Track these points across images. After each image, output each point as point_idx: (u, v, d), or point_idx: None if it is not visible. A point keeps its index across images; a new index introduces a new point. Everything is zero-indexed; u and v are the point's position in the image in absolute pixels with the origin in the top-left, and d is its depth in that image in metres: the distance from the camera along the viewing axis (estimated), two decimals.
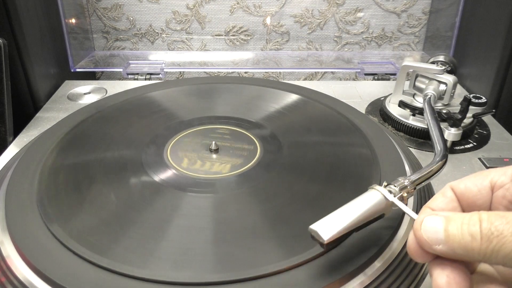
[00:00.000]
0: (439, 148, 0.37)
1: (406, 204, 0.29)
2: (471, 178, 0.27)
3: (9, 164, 0.43)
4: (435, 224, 0.23)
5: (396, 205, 0.28)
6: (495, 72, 0.57)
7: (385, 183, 0.30)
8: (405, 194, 0.29)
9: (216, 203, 0.35)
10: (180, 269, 0.28)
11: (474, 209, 0.26)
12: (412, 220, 0.28)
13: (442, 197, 0.27)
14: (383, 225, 0.31)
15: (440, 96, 0.49)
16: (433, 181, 0.39)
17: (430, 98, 0.47)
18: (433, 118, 0.43)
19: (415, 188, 0.31)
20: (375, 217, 0.28)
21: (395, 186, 0.29)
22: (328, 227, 0.26)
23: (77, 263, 0.29)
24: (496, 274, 0.26)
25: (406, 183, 0.30)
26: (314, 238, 0.27)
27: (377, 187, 0.29)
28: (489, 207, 0.26)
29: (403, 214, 0.34)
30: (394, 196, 0.29)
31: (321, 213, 0.29)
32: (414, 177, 0.31)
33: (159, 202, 0.34)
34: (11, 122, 0.51)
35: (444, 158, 0.35)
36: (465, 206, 0.27)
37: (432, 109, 0.45)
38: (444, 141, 0.39)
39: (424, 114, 0.45)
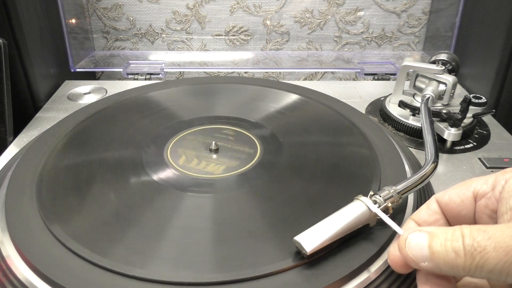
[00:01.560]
0: (429, 157, 0.37)
1: (391, 213, 0.30)
2: (454, 189, 0.27)
3: (9, 164, 0.43)
4: (419, 240, 0.23)
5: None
6: (495, 72, 0.57)
7: (371, 193, 0.30)
8: (390, 204, 0.30)
9: (216, 203, 0.35)
10: (180, 269, 0.28)
11: (459, 220, 0.26)
12: (394, 231, 0.28)
13: (427, 209, 0.27)
14: (384, 223, 0.31)
15: (440, 96, 0.49)
16: (432, 181, 0.40)
17: (427, 100, 0.47)
18: (428, 122, 0.43)
19: (401, 197, 0.31)
20: (359, 227, 0.29)
21: (380, 196, 0.30)
22: (311, 238, 0.27)
23: (77, 263, 0.29)
24: (484, 282, 0.26)
25: (391, 193, 0.30)
26: (298, 248, 0.28)
27: (362, 197, 0.29)
28: (474, 217, 0.26)
29: (404, 211, 0.34)
30: (379, 207, 0.29)
31: (321, 213, 0.29)
32: (401, 186, 0.31)
33: (159, 202, 0.34)
34: (11, 122, 0.51)
35: (433, 164, 0.35)
36: (450, 217, 0.27)
37: (428, 111, 0.45)
38: (436, 148, 0.38)
39: (420, 116, 0.45)
